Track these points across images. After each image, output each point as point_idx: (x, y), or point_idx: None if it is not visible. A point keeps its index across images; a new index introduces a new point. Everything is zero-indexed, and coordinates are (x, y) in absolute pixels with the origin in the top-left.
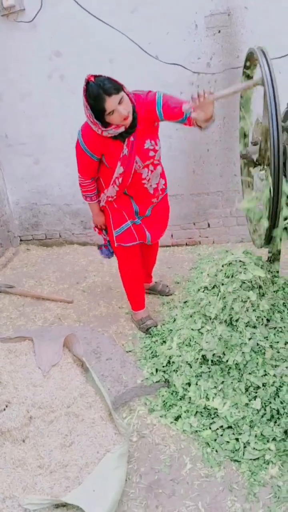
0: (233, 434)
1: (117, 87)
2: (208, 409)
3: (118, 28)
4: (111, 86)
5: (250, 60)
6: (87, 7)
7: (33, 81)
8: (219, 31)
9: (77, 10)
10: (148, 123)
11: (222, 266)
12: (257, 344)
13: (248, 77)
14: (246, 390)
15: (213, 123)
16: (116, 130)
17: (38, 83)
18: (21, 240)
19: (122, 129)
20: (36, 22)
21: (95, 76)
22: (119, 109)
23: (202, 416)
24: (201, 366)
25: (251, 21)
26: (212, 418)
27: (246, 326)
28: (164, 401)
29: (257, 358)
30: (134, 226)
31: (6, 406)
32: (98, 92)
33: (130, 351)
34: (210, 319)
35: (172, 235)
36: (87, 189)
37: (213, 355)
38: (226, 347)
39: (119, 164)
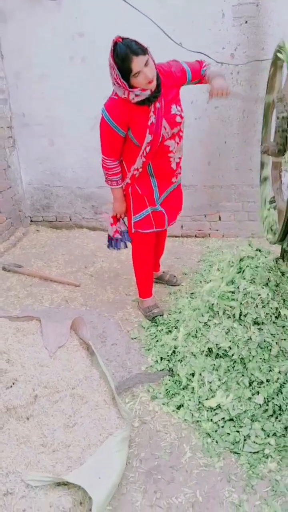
0: (234, 426)
1: (144, 49)
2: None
3: (144, 12)
4: (138, 47)
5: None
6: None
7: (54, 61)
8: (246, 22)
9: None
10: (172, 89)
11: (233, 261)
12: (264, 340)
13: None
14: (250, 384)
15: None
16: (143, 92)
17: (59, 64)
18: (31, 221)
19: (148, 93)
20: (62, 0)
21: (122, 38)
22: (144, 70)
23: (204, 406)
24: (206, 358)
25: (279, 13)
26: (214, 410)
27: (254, 322)
28: (167, 389)
29: (263, 354)
30: (154, 213)
31: (13, 384)
32: (125, 52)
33: (135, 338)
34: (218, 313)
35: (182, 226)
36: (113, 172)
37: (219, 348)
38: (233, 342)
39: (148, 132)
